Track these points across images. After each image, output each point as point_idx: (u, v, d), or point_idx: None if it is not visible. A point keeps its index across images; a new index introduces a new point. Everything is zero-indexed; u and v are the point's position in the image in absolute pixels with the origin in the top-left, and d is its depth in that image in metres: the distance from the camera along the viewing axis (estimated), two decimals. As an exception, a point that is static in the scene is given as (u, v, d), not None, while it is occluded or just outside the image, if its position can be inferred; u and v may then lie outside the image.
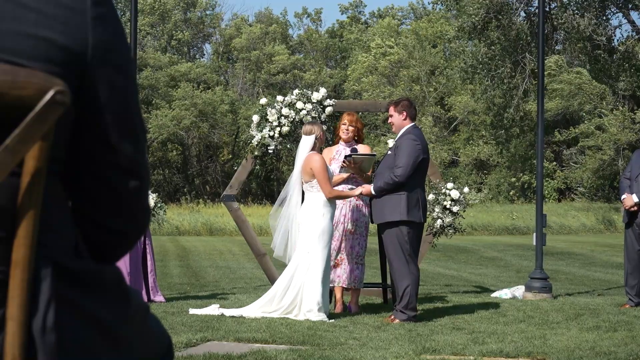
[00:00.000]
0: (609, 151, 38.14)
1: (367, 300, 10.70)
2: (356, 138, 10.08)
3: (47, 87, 1.34)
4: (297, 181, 9.46)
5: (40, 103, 1.32)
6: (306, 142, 9.32)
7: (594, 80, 38.50)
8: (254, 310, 9.16)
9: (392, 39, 51.49)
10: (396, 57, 48.94)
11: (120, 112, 1.54)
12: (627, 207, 10.42)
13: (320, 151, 9.52)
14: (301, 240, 9.18)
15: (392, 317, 8.91)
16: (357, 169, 9.60)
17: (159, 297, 10.39)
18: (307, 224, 9.13)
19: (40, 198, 1.37)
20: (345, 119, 10.07)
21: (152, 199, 11.13)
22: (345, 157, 9.61)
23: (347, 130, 9.99)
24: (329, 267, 9.21)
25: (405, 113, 9.20)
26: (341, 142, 10.05)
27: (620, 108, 38.86)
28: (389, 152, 9.22)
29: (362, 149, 10.08)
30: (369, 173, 9.77)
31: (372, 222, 9.40)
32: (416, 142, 8.99)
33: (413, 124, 9.25)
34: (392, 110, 9.31)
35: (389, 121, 9.40)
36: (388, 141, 9.35)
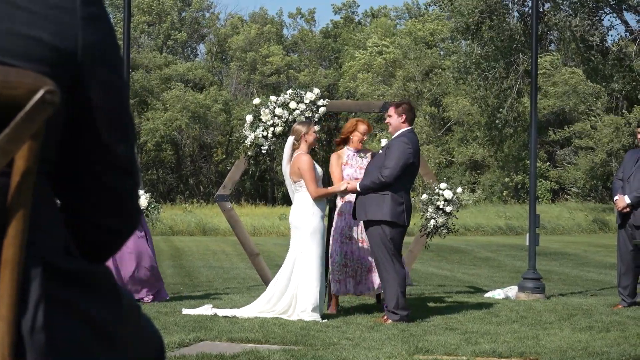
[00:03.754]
0: (601, 153, 38.18)
1: (360, 301, 10.71)
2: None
3: (37, 86, 1.34)
4: (287, 182, 9.52)
5: (29, 103, 1.32)
6: (288, 142, 9.43)
7: (588, 80, 38.51)
8: (249, 312, 9.16)
9: (389, 39, 51.51)
10: (392, 56, 48.95)
11: (113, 112, 1.54)
12: (619, 209, 10.42)
13: (313, 151, 9.49)
14: (293, 240, 9.19)
15: (385, 317, 8.93)
16: None
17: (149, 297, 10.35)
18: (299, 224, 9.15)
19: (30, 198, 1.36)
20: (363, 129, 9.99)
21: (145, 198, 11.10)
22: None
23: (363, 139, 10.07)
24: (323, 266, 9.22)
25: (404, 116, 9.21)
26: (349, 147, 10.04)
27: (613, 110, 38.91)
28: (380, 152, 9.23)
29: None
30: None
31: (355, 219, 9.37)
32: (408, 146, 9.00)
33: (410, 127, 9.26)
34: (392, 110, 9.31)
35: (387, 121, 9.39)
36: (382, 140, 9.38)
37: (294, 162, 9.23)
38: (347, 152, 10.01)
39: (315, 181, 9.15)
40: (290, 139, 9.40)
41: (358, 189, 9.05)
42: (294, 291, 9.09)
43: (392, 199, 8.89)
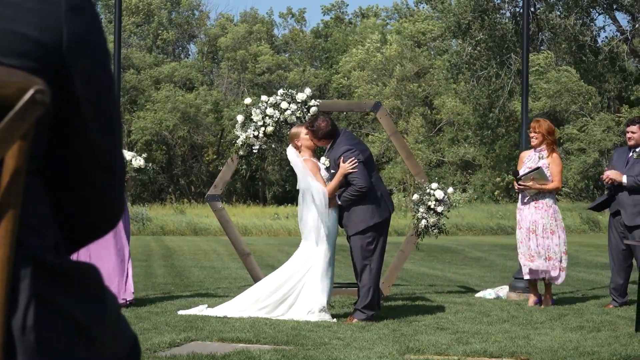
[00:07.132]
0: (593, 154, 38.25)
1: (352, 301, 10.69)
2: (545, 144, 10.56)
3: (27, 86, 1.33)
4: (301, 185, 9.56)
5: (19, 102, 1.32)
6: (288, 152, 9.45)
7: (581, 80, 38.56)
8: (242, 303, 9.14)
9: (390, 36, 51.50)
10: (392, 52, 48.91)
11: (97, 106, 1.53)
12: (607, 178, 10.19)
13: (315, 152, 9.41)
14: (306, 241, 9.15)
15: (352, 317, 8.98)
16: (537, 185, 10.28)
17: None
18: (314, 224, 9.11)
19: (20, 197, 1.36)
20: (531, 126, 10.57)
21: (140, 159, 10.83)
22: (518, 184, 10.39)
23: (533, 136, 10.53)
24: (333, 266, 9.20)
25: (325, 140, 9.14)
26: (535, 148, 10.63)
27: (604, 110, 38.97)
28: (332, 170, 9.11)
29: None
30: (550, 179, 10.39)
31: (347, 234, 9.32)
32: (353, 150, 8.97)
33: (338, 132, 9.19)
34: (310, 136, 9.15)
35: (311, 142, 9.20)
36: (321, 159, 9.27)
37: None
38: (529, 153, 10.70)
39: (323, 183, 9.08)
40: (289, 148, 9.39)
41: (353, 194, 9.03)
42: (289, 290, 9.08)
43: (373, 203, 9.02)
